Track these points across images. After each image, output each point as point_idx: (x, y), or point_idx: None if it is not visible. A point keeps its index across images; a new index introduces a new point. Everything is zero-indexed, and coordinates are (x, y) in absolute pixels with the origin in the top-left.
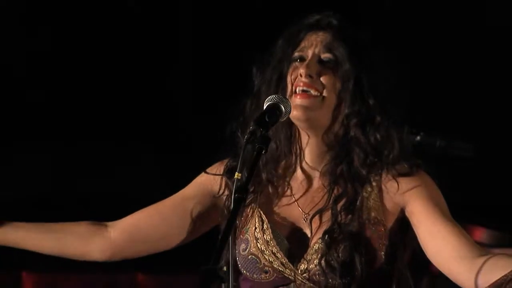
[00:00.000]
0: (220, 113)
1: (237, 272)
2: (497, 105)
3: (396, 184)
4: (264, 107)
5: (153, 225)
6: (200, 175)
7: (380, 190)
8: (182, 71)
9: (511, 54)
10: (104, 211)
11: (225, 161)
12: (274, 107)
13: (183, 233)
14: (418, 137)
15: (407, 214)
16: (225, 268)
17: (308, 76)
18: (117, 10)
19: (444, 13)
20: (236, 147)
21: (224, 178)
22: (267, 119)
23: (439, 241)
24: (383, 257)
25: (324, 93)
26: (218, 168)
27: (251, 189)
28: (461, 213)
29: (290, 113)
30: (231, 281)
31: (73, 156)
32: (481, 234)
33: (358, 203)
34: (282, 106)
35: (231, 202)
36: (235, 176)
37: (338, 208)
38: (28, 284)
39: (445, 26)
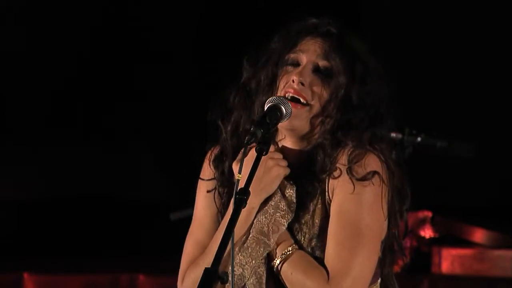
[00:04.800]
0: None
1: None
2: (497, 105)
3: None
4: (265, 108)
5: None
6: (200, 184)
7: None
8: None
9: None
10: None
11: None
12: (275, 109)
13: None
14: (419, 138)
15: None
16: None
17: (300, 83)
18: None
19: (444, 13)
20: (217, 134)
21: (216, 176)
22: (267, 121)
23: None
24: None
25: (312, 102)
26: (207, 167)
27: (225, 191)
28: (461, 213)
29: (290, 115)
30: (232, 282)
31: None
32: (481, 235)
33: (319, 205)
34: (283, 108)
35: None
36: (236, 177)
37: (307, 218)
38: (29, 284)
39: (446, 26)
